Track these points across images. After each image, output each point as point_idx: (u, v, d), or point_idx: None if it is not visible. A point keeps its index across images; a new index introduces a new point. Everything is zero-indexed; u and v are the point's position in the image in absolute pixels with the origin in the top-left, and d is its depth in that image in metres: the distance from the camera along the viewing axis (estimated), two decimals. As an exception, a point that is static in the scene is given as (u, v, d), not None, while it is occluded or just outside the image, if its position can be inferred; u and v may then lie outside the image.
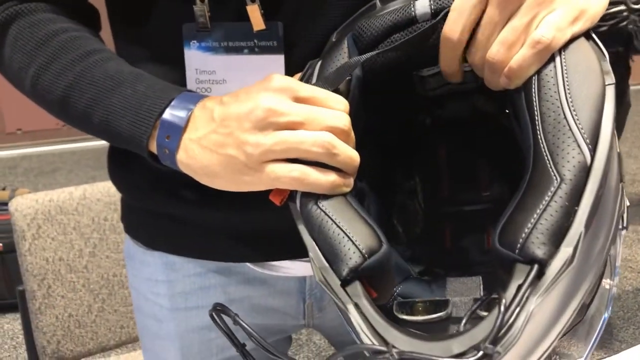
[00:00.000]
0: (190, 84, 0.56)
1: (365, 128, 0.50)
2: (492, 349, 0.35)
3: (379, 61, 0.50)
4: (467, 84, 0.51)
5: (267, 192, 0.51)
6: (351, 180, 0.46)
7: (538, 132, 0.41)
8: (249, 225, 0.62)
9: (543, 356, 0.40)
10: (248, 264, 0.66)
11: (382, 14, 0.49)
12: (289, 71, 0.54)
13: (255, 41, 0.54)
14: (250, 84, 0.49)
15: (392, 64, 0.50)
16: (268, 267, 0.66)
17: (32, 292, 1.20)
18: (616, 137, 0.42)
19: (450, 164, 0.59)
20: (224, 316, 0.50)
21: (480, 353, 0.35)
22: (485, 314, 0.40)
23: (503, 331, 0.35)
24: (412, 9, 0.47)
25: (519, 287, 0.36)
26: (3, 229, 2.21)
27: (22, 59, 0.55)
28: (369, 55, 0.48)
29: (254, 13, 0.52)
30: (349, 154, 0.45)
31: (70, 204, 1.24)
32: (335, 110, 0.46)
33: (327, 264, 0.43)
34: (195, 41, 0.54)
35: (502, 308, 0.35)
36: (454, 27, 0.44)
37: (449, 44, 0.45)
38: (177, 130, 0.48)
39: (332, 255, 0.43)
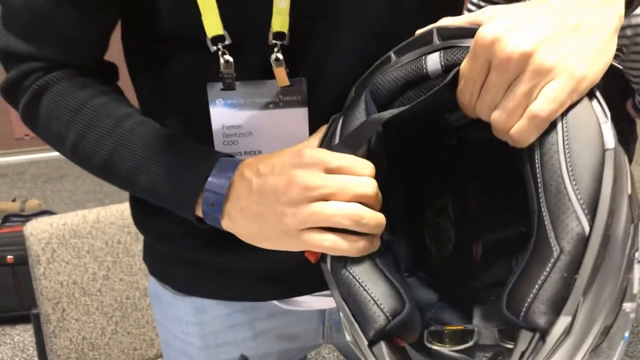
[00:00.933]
0: (217, 138, 0.58)
1: (389, 167, 0.53)
2: None
3: (401, 116, 0.50)
4: None
5: None
6: (378, 241, 0.50)
7: (541, 200, 0.42)
8: (274, 268, 0.65)
9: None
10: (274, 301, 0.70)
11: (395, 70, 0.50)
12: (312, 122, 0.56)
13: (280, 97, 0.55)
14: (276, 135, 0.53)
15: (411, 117, 0.51)
16: (292, 303, 0.70)
17: (46, 316, 1.21)
18: (625, 182, 0.43)
19: (480, 182, 0.60)
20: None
21: None
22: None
23: None
24: (424, 65, 0.48)
25: (522, 353, 0.40)
26: (14, 241, 2.23)
27: (58, 127, 0.58)
28: (386, 117, 0.50)
29: (280, 73, 0.53)
30: (376, 221, 0.49)
31: (84, 228, 1.25)
32: (362, 176, 0.49)
33: (356, 325, 0.47)
34: (220, 99, 0.56)
35: None
36: (463, 92, 0.47)
37: (463, 105, 0.48)
38: (220, 200, 0.53)
39: (360, 317, 0.47)
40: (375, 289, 0.47)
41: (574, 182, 0.41)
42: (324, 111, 0.55)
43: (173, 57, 0.57)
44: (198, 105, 0.57)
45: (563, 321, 0.39)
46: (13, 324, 2.30)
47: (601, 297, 0.41)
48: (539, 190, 0.42)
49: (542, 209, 0.42)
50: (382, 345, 0.46)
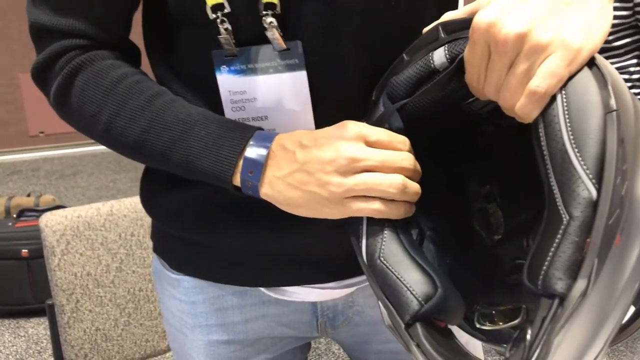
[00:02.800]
0: (226, 104, 0.61)
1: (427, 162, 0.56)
2: None
3: (418, 108, 0.53)
4: None
5: (284, 224, 0.59)
6: (413, 208, 0.55)
7: (549, 172, 0.43)
8: (264, 253, 0.67)
9: None
10: (261, 288, 0.71)
11: (407, 69, 0.53)
12: (311, 85, 0.59)
13: (278, 61, 0.58)
14: (279, 100, 0.56)
15: (431, 109, 0.53)
16: (280, 292, 0.71)
17: (61, 307, 1.23)
18: None
19: (521, 165, 0.61)
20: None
21: None
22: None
23: None
24: (431, 61, 0.51)
25: (543, 320, 0.41)
26: (29, 235, 2.26)
27: (91, 107, 0.60)
28: (396, 107, 0.53)
29: (274, 36, 0.56)
30: (416, 190, 0.54)
31: (98, 220, 1.27)
32: (401, 151, 0.53)
33: (393, 311, 0.51)
34: (224, 66, 0.59)
35: (527, 343, 0.40)
36: (471, 77, 0.49)
37: (473, 89, 0.50)
38: (259, 167, 0.55)
39: (395, 304, 0.52)
40: (407, 276, 0.51)
41: (576, 150, 0.42)
42: (322, 73, 0.58)
43: (181, 34, 0.60)
44: (207, 75, 0.59)
45: (579, 285, 0.40)
46: (27, 317, 2.33)
47: (626, 259, 0.41)
48: (546, 162, 0.43)
49: (551, 180, 0.43)
50: (418, 326, 0.50)
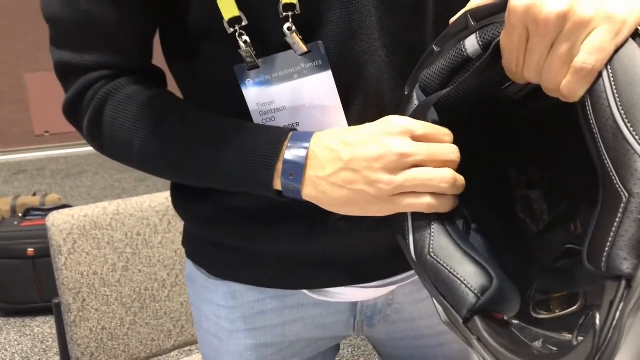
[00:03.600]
0: (256, 118, 0.60)
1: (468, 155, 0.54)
2: None
3: (454, 98, 0.52)
4: None
5: (328, 227, 0.59)
6: (457, 200, 0.54)
7: (601, 150, 0.41)
8: (309, 256, 0.66)
9: None
10: (304, 290, 0.70)
11: (439, 61, 0.52)
12: (339, 84, 0.57)
13: (302, 65, 0.57)
14: (308, 105, 0.55)
15: (466, 98, 0.52)
16: (323, 293, 0.71)
17: (67, 305, 1.24)
18: None
19: (563, 148, 0.59)
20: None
21: None
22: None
23: (602, 350, 0.37)
24: (464, 49, 0.50)
25: (611, 303, 0.38)
26: (35, 234, 2.26)
27: (123, 134, 0.60)
28: (434, 100, 0.52)
29: (294, 40, 0.55)
30: (463, 183, 0.53)
31: (104, 219, 1.27)
32: (446, 143, 0.52)
33: (449, 307, 0.50)
34: (249, 79, 0.58)
35: (597, 328, 0.38)
36: (509, 62, 0.47)
37: (511, 74, 0.49)
38: (299, 168, 0.54)
39: (451, 299, 0.50)
40: (460, 270, 0.49)
41: (629, 124, 0.40)
42: (348, 71, 0.57)
43: (203, 49, 0.59)
44: (233, 90, 0.59)
45: None
46: (33, 316, 2.34)
47: None
48: (597, 140, 0.42)
49: (604, 159, 0.41)
50: (476, 319, 0.48)
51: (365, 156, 0.51)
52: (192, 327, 1.35)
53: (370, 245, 0.65)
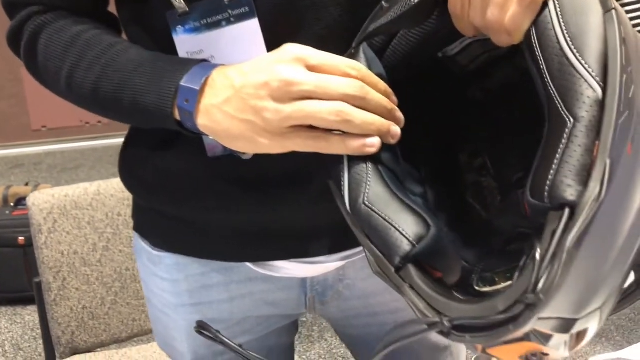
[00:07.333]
0: None
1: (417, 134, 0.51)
2: (533, 298, 0.34)
3: (399, 52, 0.51)
4: (499, 48, 0.50)
5: (267, 195, 0.55)
6: (379, 142, 0.48)
7: (546, 80, 0.40)
8: (250, 226, 0.65)
9: (612, 297, 0.38)
10: (248, 264, 0.68)
11: (386, 14, 0.50)
12: (265, 33, 0.56)
13: (229, 12, 0.56)
14: (235, 54, 0.53)
15: (412, 52, 0.51)
16: (268, 267, 0.68)
17: (48, 284, 1.24)
18: None
19: (515, 131, 0.57)
20: None
21: (523, 305, 0.35)
22: None
23: (543, 282, 0.34)
24: (412, 0, 0.48)
25: (553, 233, 0.35)
26: (26, 223, 2.25)
27: (54, 63, 0.60)
28: (370, 30, 0.49)
29: None
30: (365, 119, 0.48)
31: (85, 200, 1.28)
32: (345, 77, 0.48)
33: (381, 255, 0.46)
34: (180, 26, 0.57)
35: (538, 257, 0.35)
36: (455, 4, 0.47)
37: (456, 18, 0.48)
38: (193, 94, 0.52)
39: (384, 248, 0.46)
40: (396, 217, 0.46)
41: (575, 50, 0.39)
42: (274, 19, 0.56)
43: None
44: (169, 39, 0.59)
45: (592, 188, 0.35)
46: (24, 305, 2.35)
47: (638, 173, 0.38)
48: (543, 72, 0.40)
49: (550, 88, 0.39)
50: (410, 267, 0.44)
51: (253, 83, 0.49)
52: (174, 308, 1.36)
53: (314, 219, 0.63)
